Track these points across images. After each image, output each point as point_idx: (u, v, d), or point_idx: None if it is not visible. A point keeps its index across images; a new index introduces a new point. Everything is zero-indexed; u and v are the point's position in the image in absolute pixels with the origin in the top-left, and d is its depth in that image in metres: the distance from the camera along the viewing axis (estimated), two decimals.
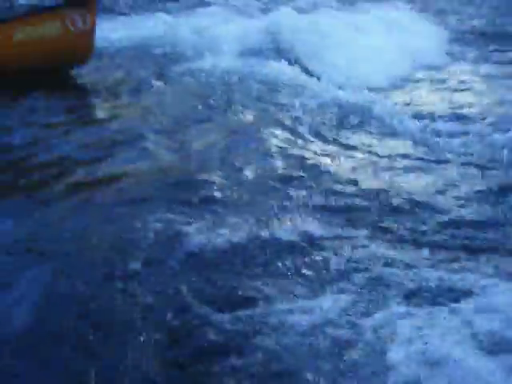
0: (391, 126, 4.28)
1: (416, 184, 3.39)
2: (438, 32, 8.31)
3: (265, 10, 9.76)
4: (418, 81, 6.28)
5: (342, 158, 3.68)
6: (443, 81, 6.24)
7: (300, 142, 3.95)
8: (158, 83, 5.48)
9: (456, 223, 3.12)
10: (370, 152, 3.87)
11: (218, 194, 3.46)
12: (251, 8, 10.41)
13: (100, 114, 4.88)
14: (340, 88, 5.32)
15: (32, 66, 5.54)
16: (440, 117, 4.73)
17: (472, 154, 3.80)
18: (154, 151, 3.84)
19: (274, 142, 3.87)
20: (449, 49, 7.52)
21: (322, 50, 6.48)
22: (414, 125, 4.33)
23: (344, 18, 8.30)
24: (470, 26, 9.54)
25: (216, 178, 3.58)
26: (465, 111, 4.79)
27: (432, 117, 4.69)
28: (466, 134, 4.21)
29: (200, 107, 4.73)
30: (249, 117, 4.52)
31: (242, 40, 6.98)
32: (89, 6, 5.34)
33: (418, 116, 4.71)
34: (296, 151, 3.75)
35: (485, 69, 6.72)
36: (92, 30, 5.48)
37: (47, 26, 5.49)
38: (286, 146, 3.81)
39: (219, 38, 6.94)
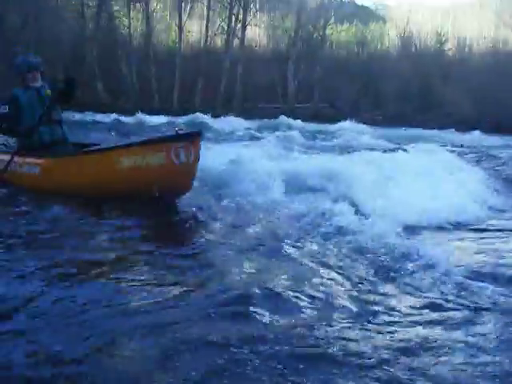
0: (432, 276, 4.11)
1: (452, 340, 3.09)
2: (488, 180, 8.37)
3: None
4: (462, 229, 6.12)
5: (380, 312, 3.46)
6: (492, 232, 6.07)
7: (331, 286, 3.85)
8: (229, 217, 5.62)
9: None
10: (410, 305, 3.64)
11: None
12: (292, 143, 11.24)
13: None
14: (384, 228, 5.22)
15: (132, 193, 5.77)
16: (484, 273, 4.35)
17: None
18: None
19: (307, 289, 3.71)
20: (497, 201, 7.50)
21: (372, 188, 6.72)
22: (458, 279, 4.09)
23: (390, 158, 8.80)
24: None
25: None
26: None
27: (476, 271, 4.38)
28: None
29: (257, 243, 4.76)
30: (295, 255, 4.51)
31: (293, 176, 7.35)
32: (194, 140, 5.60)
33: (462, 269, 4.33)
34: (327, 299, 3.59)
35: None
36: (194, 165, 5.69)
37: (151, 155, 5.77)
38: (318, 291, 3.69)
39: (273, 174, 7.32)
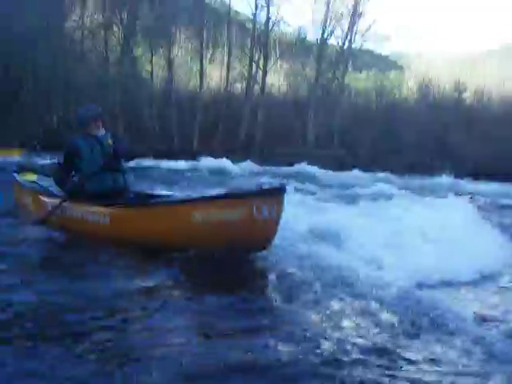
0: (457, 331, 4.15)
1: None
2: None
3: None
4: (481, 283, 6.20)
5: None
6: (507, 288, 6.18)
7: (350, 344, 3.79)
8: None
9: None
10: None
11: None
12: None
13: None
14: (405, 281, 5.35)
15: (207, 248, 5.58)
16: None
17: None
18: None
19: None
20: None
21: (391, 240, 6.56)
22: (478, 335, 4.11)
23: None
24: None
25: None
26: None
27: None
28: None
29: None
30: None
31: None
32: (277, 196, 5.46)
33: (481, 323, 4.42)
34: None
35: None
36: (277, 220, 5.49)
37: (231, 210, 5.58)
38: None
39: None
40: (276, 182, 5.94)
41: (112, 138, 7.23)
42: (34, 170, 8.99)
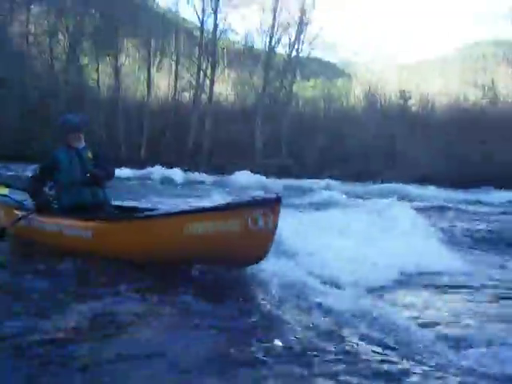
0: (393, 334, 4.19)
1: None
2: (443, 235, 8.60)
3: None
4: (422, 284, 6.28)
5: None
6: (449, 287, 6.30)
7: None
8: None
9: None
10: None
11: None
12: None
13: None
14: (341, 289, 5.36)
15: (200, 261, 5.44)
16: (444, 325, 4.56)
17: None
18: None
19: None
20: (455, 254, 7.72)
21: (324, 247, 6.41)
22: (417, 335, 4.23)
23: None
24: (474, 231, 10.68)
25: None
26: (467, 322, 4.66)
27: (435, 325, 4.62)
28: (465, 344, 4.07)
29: None
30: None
31: None
32: (273, 206, 5.16)
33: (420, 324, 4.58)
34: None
35: (491, 277, 6.90)
36: (273, 231, 5.21)
37: (225, 222, 5.33)
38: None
39: None
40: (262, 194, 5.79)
41: (92, 152, 7.00)
42: (5, 184, 8.73)
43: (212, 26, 42.52)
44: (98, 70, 41.23)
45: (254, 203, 5.23)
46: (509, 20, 64.51)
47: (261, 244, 5.30)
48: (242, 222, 5.19)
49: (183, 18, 49.47)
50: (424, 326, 4.53)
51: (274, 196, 5.23)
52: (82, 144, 6.92)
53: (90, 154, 6.90)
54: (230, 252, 5.31)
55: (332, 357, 3.70)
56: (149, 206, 8.80)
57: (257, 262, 5.54)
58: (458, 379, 3.39)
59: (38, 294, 4.82)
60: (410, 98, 46.16)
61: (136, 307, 4.51)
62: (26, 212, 6.91)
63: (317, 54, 49.13)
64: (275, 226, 5.21)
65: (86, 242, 6.28)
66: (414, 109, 46.37)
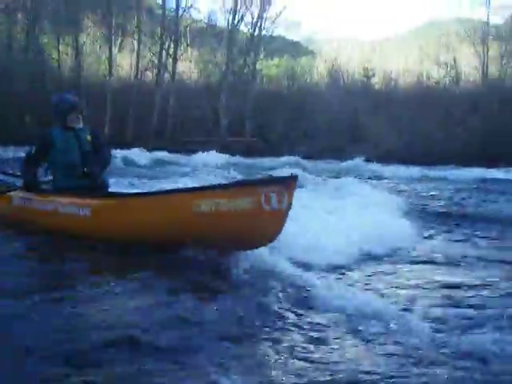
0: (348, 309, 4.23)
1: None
2: (400, 209, 8.67)
3: None
4: (379, 260, 6.32)
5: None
6: (412, 261, 6.38)
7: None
8: None
9: None
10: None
11: None
12: None
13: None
14: (299, 267, 5.33)
15: (208, 241, 5.17)
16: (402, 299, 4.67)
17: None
18: None
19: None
20: (413, 228, 7.83)
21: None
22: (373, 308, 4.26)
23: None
24: (433, 206, 10.84)
25: None
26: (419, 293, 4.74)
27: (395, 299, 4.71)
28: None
29: None
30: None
31: None
32: (288, 185, 4.94)
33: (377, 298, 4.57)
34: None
35: (448, 249, 7.11)
36: (286, 211, 4.99)
37: (237, 200, 5.07)
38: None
39: None
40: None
41: (91, 133, 6.71)
42: None
43: (174, 5, 42.19)
44: (58, 49, 40.48)
45: (269, 182, 5.07)
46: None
47: (273, 224, 5.12)
48: (254, 200, 4.97)
49: None
50: (388, 299, 4.59)
51: (289, 175, 5.06)
52: (81, 125, 6.63)
53: (89, 137, 6.63)
54: (241, 232, 5.14)
55: (293, 334, 3.73)
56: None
57: (266, 244, 5.38)
58: (428, 355, 3.45)
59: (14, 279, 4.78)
60: (373, 75, 46.34)
61: (119, 291, 4.49)
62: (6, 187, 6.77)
63: (280, 32, 48.89)
64: (289, 207, 5.02)
65: (84, 221, 5.99)
66: (377, 86, 46.55)
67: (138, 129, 37.40)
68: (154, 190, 6.85)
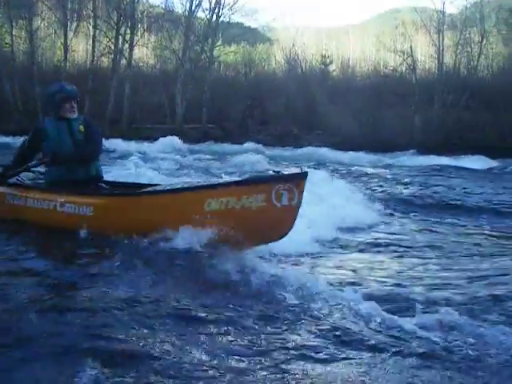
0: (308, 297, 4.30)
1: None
2: (364, 197, 8.76)
3: None
4: (342, 246, 6.35)
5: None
6: (370, 245, 6.41)
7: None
8: None
9: None
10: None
11: None
12: None
13: None
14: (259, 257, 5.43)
15: (220, 239, 5.17)
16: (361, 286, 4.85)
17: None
18: None
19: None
20: (376, 215, 7.95)
21: None
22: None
23: None
24: (399, 194, 11.03)
25: None
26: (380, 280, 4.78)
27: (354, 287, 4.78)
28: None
29: None
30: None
31: None
32: (299, 181, 5.04)
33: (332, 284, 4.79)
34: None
35: (401, 235, 7.34)
36: (297, 208, 5.11)
37: (248, 197, 5.17)
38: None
39: None
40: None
41: (84, 122, 6.70)
42: None
43: None
44: (11, 33, 39.62)
45: (279, 178, 5.10)
46: None
47: (284, 220, 5.16)
48: (266, 197, 5.03)
49: None
50: (347, 286, 4.59)
51: (299, 171, 5.14)
52: (76, 114, 6.62)
53: (81, 127, 6.60)
54: (253, 228, 5.12)
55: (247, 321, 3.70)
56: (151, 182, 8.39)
57: (277, 240, 5.43)
58: (389, 340, 3.44)
59: None
60: (330, 62, 46.47)
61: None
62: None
63: (238, 18, 48.66)
64: (300, 203, 5.07)
65: (84, 220, 5.90)
66: (334, 74, 46.74)
67: (94, 116, 36.85)
68: (162, 184, 6.58)
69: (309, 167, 13.24)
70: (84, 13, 44.36)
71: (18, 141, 23.96)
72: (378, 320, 3.76)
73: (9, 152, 17.07)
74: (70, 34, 41.68)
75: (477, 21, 41.60)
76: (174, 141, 27.56)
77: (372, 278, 5.02)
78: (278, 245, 5.65)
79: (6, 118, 33.15)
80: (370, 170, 17.43)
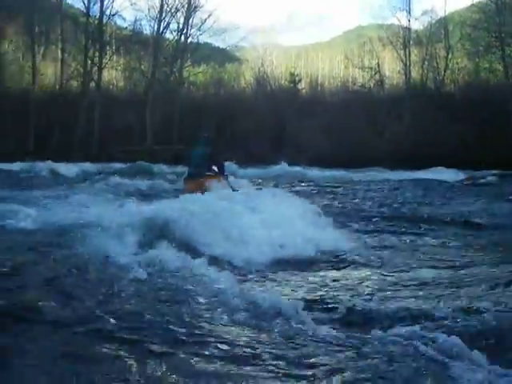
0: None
1: None
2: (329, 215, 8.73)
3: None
4: (303, 265, 6.36)
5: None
6: (339, 266, 6.43)
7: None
8: None
9: None
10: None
11: None
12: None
13: None
14: (225, 271, 5.41)
15: None
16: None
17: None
18: None
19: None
20: (342, 234, 7.94)
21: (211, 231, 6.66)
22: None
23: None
24: (357, 208, 11.04)
25: None
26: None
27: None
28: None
29: None
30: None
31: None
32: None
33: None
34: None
35: (379, 253, 7.22)
36: None
37: None
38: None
39: None
40: None
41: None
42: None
43: (98, 12, 41.68)
44: None
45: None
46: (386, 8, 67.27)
47: None
48: None
49: (68, 3, 47.98)
50: (309, 305, 4.61)
51: None
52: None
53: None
54: None
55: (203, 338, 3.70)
56: None
57: None
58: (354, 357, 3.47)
59: None
60: (299, 80, 46.79)
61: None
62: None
63: (206, 39, 48.74)
64: None
65: None
66: (303, 91, 47.04)
67: (64, 140, 36.56)
68: None
69: (278, 186, 13.32)
70: (52, 36, 44.28)
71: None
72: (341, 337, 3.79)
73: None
74: (38, 58, 41.53)
75: (442, 36, 42.32)
76: (143, 163, 27.01)
77: (339, 296, 5.03)
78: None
79: None
80: (336, 186, 17.54)
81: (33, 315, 3.91)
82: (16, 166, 24.48)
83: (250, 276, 5.65)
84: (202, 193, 9.32)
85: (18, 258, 5.66)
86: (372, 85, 44.19)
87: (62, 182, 18.17)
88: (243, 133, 38.06)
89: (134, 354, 3.36)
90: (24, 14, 42.28)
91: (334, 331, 3.86)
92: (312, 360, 3.33)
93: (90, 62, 40.77)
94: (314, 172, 24.70)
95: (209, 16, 43.84)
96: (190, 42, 44.60)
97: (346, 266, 6.30)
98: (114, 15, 42.85)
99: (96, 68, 40.86)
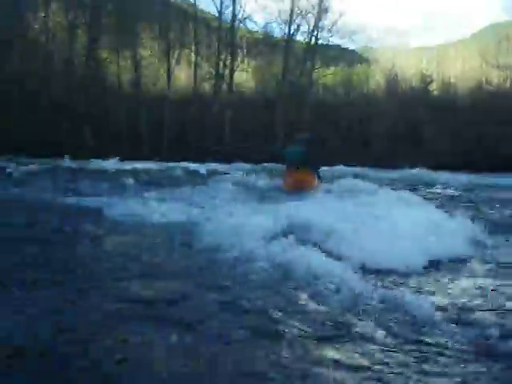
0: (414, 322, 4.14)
1: None
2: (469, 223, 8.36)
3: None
4: (444, 271, 6.17)
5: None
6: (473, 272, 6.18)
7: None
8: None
9: None
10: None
11: None
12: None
13: None
14: (364, 273, 5.41)
15: None
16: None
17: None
18: None
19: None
20: (481, 242, 7.63)
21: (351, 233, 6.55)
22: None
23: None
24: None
25: None
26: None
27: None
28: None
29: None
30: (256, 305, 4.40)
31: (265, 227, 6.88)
32: None
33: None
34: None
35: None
36: None
37: None
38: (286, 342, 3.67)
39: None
40: None
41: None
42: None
43: (230, 17, 42.53)
44: (118, 63, 41.09)
45: None
46: None
47: None
48: None
49: (201, 9, 49.35)
50: (443, 309, 4.47)
51: None
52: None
53: None
54: None
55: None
56: None
57: None
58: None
59: None
60: (431, 81, 45.79)
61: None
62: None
63: (336, 40, 48.68)
64: None
65: None
66: (435, 93, 45.98)
67: (197, 141, 37.49)
68: None
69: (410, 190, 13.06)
70: (185, 41, 45.52)
71: (128, 165, 24.73)
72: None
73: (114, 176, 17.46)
74: (173, 62, 42.82)
75: None
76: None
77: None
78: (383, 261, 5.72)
79: (115, 145, 33.93)
80: (475, 193, 16.90)
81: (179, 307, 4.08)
82: (153, 166, 25.22)
83: (405, 280, 5.57)
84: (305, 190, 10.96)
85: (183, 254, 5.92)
86: (508, 84, 42.58)
87: (196, 183, 18.49)
88: (374, 135, 37.73)
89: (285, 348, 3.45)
90: (160, 20, 43.76)
91: None
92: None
93: (222, 64, 41.62)
94: (446, 175, 24.02)
95: (340, 17, 43.69)
96: (320, 43, 44.62)
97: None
98: (245, 19, 43.64)
99: (228, 71, 41.67)
